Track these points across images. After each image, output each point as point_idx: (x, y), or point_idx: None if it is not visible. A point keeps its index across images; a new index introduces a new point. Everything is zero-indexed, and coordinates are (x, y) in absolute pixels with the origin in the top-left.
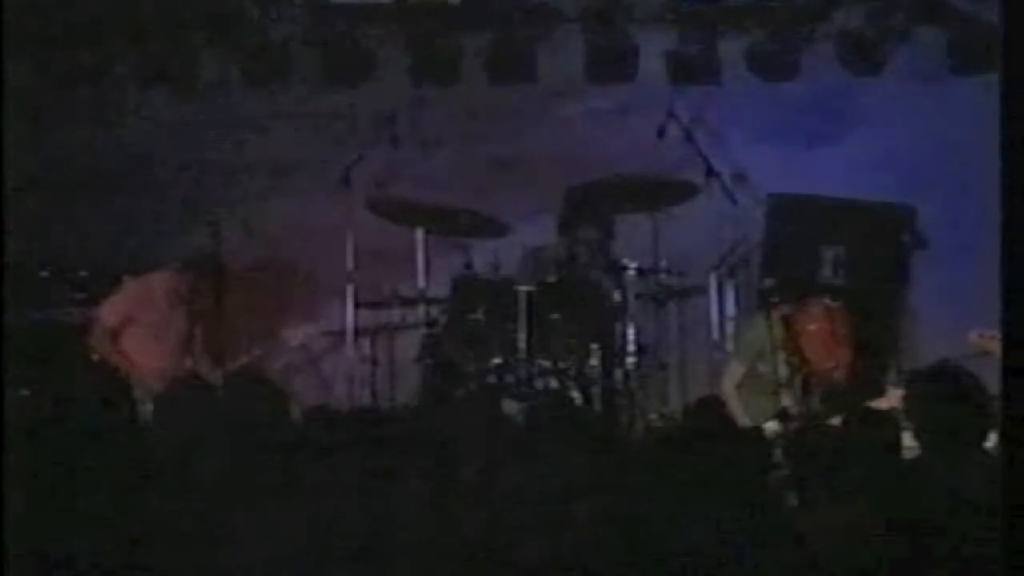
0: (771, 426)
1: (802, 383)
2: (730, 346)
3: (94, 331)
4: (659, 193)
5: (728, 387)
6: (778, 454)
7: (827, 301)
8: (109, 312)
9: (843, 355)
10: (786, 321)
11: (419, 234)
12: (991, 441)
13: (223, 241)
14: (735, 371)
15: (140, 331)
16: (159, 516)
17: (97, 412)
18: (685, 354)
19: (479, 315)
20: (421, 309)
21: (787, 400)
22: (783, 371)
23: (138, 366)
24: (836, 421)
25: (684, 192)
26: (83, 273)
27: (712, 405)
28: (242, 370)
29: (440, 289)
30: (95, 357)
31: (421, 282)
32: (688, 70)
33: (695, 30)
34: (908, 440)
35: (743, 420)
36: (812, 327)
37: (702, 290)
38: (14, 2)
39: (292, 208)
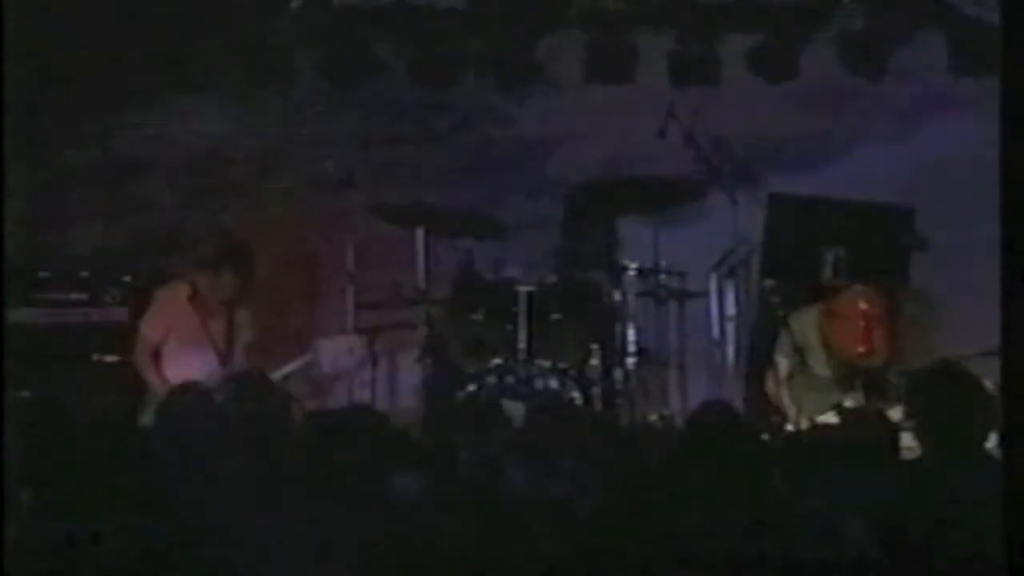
0: (826, 419)
1: (860, 376)
2: (730, 345)
3: (136, 348)
4: (659, 194)
5: (772, 384)
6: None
7: (858, 286)
8: (150, 328)
9: (877, 339)
10: (824, 311)
11: (419, 234)
12: (992, 441)
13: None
14: (780, 367)
15: (178, 343)
16: (161, 517)
17: (98, 413)
18: (685, 354)
19: (479, 315)
20: (421, 309)
21: (838, 394)
22: (824, 365)
23: (175, 380)
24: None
25: (684, 192)
26: (83, 273)
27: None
28: (244, 373)
29: (440, 289)
30: (95, 357)
31: (421, 282)
32: (688, 70)
33: (695, 30)
34: (908, 440)
35: (795, 416)
36: (843, 312)
37: (702, 290)
38: (14, 2)
39: (291, 208)
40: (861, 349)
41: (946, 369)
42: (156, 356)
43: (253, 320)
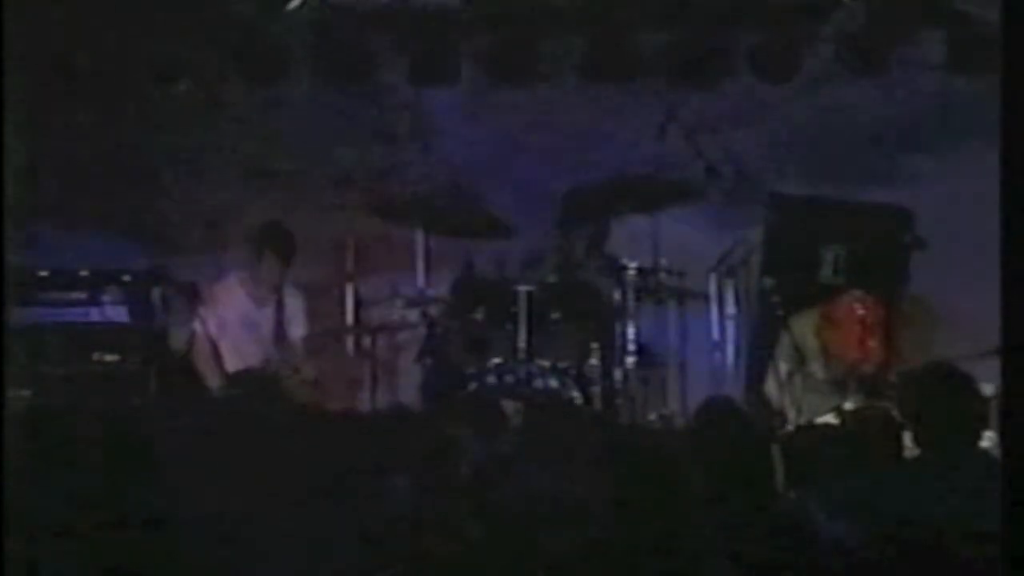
0: (825, 422)
1: (856, 379)
2: (730, 345)
3: (198, 350)
4: (659, 193)
5: (771, 386)
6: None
7: (857, 293)
8: (204, 327)
9: (872, 347)
10: (822, 315)
11: (419, 234)
12: (986, 441)
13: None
14: (779, 370)
15: (233, 335)
16: (160, 517)
17: (98, 413)
18: (685, 354)
19: (479, 315)
20: (421, 309)
21: (838, 397)
22: (822, 368)
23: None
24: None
25: (684, 192)
26: (83, 273)
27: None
28: (246, 372)
29: (440, 289)
30: (95, 357)
31: (421, 282)
32: (688, 70)
33: (695, 30)
34: (908, 440)
35: (795, 418)
36: (840, 317)
37: (702, 290)
38: (14, 2)
39: (292, 208)
40: (856, 355)
41: (937, 369)
42: (215, 352)
43: (304, 310)
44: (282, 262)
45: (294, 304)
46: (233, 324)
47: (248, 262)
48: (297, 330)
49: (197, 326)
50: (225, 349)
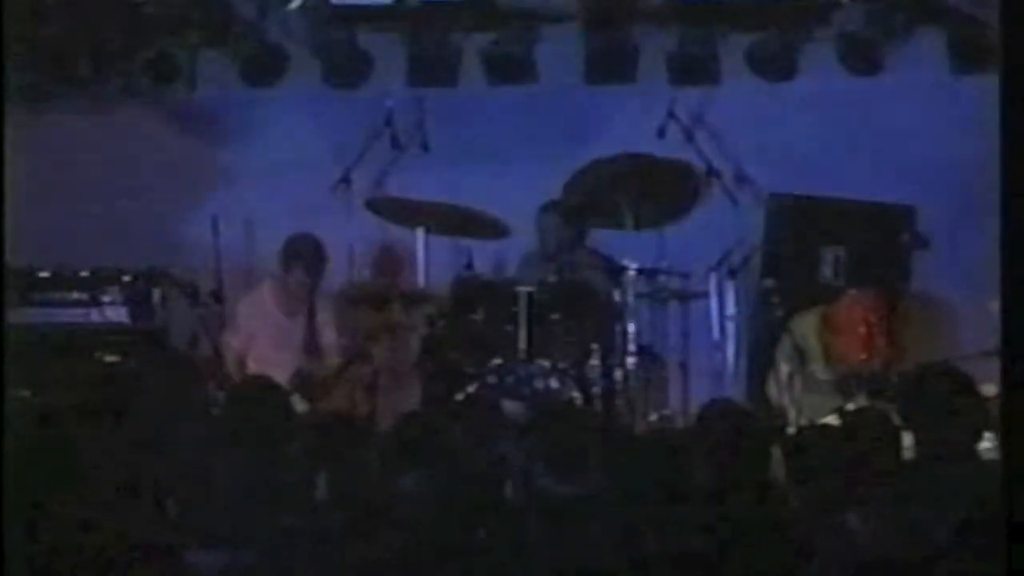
0: (826, 423)
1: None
2: (731, 345)
3: (226, 361)
4: (659, 194)
5: (772, 387)
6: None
7: (858, 294)
8: (233, 338)
9: (878, 344)
10: (824, 318)
11: (419, 234)
12: (985, 442)
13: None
14: (780, 370)
15: (262, 346)
16: (160, 519)
17: (97, 413)
18: (685, 354)
19: (479, 316)
20: (421, 309)
21: (839, 397)
22: (824, 369)
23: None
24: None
25: (684, 193)
26: (83, 273)
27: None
28: (250, 376)
29: (440, 289)
30: (95, 357)
31: (421, 282)
32: (688, 70)
33: (695, 30)
34: (908, 440)
35: (796, 419)
36: (843, 320)
37: (702, 291)
38: (14, 2)
39: (292, 208)
40: (863, 356)
41: (936, 370)
42: (243, 363)
43: (334, 321)
44: (310, 275)
45: (325, 315)
46: (262, 335)
47: (277, 274)
48: (329, 336)
49: (227, 339)
50: (253, 360)
